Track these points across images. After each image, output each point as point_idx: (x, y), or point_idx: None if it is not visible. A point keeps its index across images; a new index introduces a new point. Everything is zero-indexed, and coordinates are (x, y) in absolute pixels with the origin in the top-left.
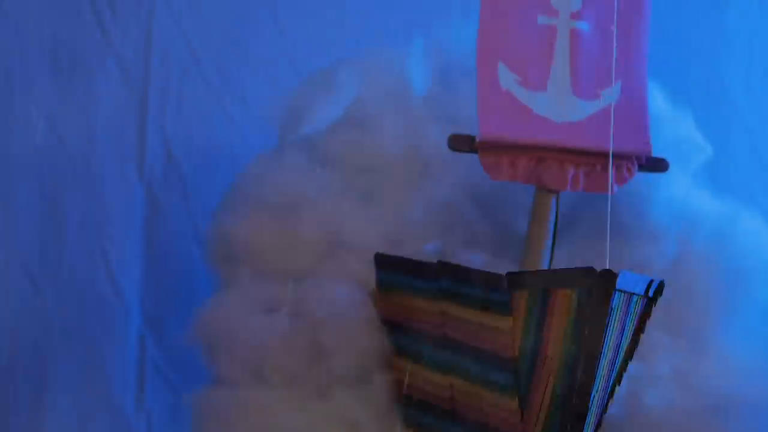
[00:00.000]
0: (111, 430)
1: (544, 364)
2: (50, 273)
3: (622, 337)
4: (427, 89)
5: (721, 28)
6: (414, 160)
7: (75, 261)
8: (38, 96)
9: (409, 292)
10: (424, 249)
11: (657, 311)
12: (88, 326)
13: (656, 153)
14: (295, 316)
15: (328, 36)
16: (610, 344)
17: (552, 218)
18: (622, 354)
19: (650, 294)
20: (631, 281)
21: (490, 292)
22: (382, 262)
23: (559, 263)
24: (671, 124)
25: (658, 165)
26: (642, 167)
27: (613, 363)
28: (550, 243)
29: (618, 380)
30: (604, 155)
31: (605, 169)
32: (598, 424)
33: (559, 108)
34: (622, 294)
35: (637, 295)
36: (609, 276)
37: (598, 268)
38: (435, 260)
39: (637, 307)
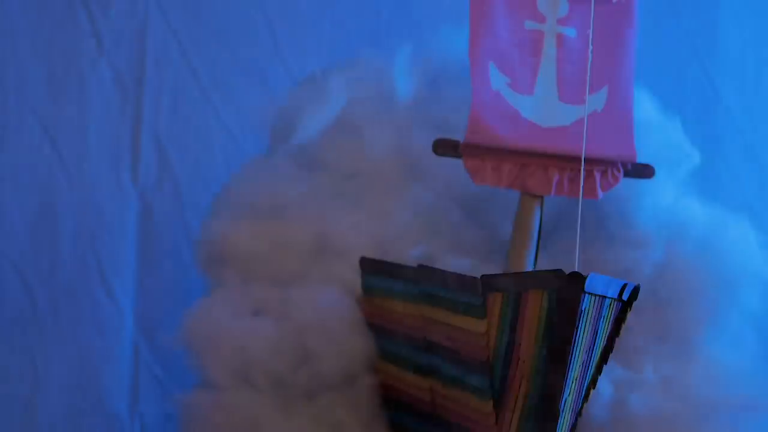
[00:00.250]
0: None
1: (517, 367)
2: (44, 278)
3: (595, 340)
4: (414, 95)
5: (713, 33)
6: (401, 164)
7: (69, 266)
8: (32, 101)
9: (392, 296)
10: (410, 254)
11: (643, 317)
12: (82, 331)
13: (644, 159)
14: (281, 319)
15: (321, 42)
16: (582, 347)
17: (536, 223)
18: (596, 357)
19: (624, 298)
20: (601, 284)
21: (465, 295)
22: (367, 266)
23: (544, 268)
24: (659, 131)
25: (643, 171)
26: (627, 173)
27: (586, 366)
28: (534, 248)
29: (593, 383)
30: (589, 161)
31: (590, 174)
32: (573, 427)
33: (545, 112)
34: (593, 297)
35: (609, 298)
36: (577, 278)
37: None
38: (416, 264)
39: (611, 311)
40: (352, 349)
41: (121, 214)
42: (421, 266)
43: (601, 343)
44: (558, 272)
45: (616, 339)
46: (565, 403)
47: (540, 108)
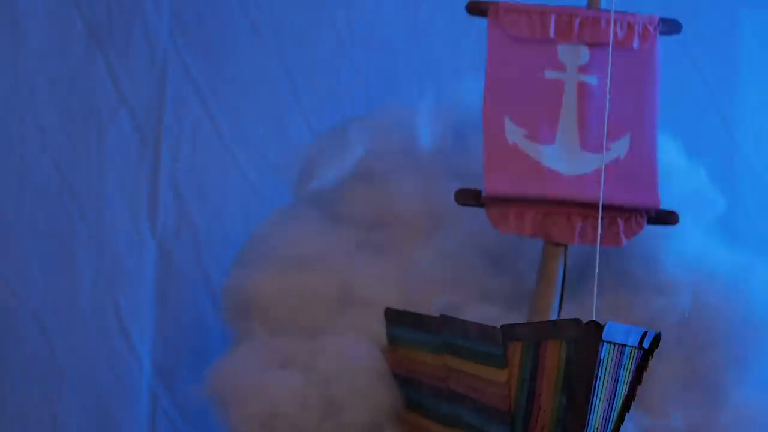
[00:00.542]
0: None
1: (537, 416)
2: (62, 326)
3: (616, 389)
4: (437, 144)
5: (733, 82)
6: (425, 214)
7: (87, 314)
8: (51, 149)
9: (416, 346)
10: (435, 303)
11: (670, 363)
12: (100, 379)
13: (669, 206)
14: (307, 370)
15: (340, 91)
16: (602, 396)
17: (560, 271)
18: (617, 406)
19: (645, 346)
20: (620, 332)
21: (486, 344)
22: (392, 316)
23: (569, 317)
24: (684, 177)
25: (667, 218)
26: (651, 220)
27: (607, 415)
28: (557, 296)
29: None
30: (612, 208)
31: (614, 222)
32: None
33: (567, 161)
34: (612, 345)
35: (630, 346)
36: (595, 327)
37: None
38: (438, 314)
39: (631, 359)
40: (377, 399)
41: (140, 261)
42: (443, 316)
43: (622, 391)
44: (576, 321)
45: (639, 387)
46: None
47: (561, 157)
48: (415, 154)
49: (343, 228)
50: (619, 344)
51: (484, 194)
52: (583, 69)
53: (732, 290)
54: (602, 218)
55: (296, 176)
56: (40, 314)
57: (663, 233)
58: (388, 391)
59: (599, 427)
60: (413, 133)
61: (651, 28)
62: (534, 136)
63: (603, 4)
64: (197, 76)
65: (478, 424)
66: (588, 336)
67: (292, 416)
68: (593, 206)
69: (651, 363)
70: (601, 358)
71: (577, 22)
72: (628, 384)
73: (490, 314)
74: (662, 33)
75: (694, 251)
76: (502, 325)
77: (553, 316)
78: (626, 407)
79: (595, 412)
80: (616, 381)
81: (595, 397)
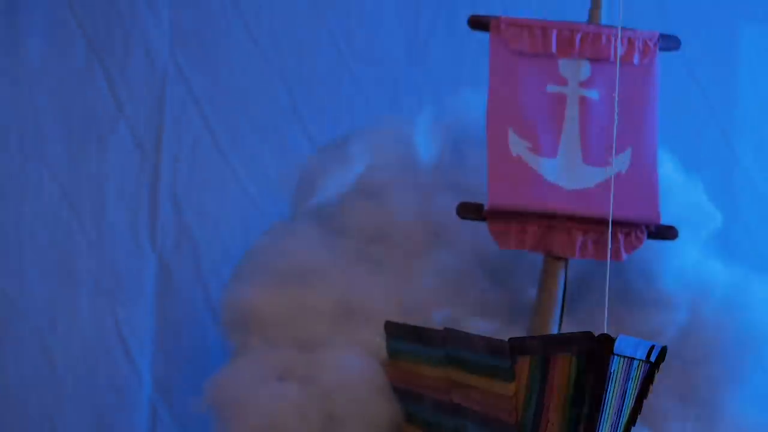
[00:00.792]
0: None
1: (545, 430)
2: (62, 339)
3: (623, 402)
4: (437, 158)
5: (732, 95)
6: (425, 228)
7: (87, 326)
8: (50, 161)
9: (417, 360)
10: (434, 317)
11: (668, 378)
12: (100, 392)
13: (667, 220)
14: (306, 384)
15: (339, 104)
16: (611, 409)
17: (561, 285)
18: (624, 419)
19: (652, 359)
20: (630, 346)
21: (492, 358)
22: (392, 329)
23: (569, 331)
24: (682, 192)
25: (667, 233)
26: (651, 235)
27: (614, 427)
28: (558, 310)
29: None
30: (613, 223)
31: (614, 237)
32: None
33: (568, 175)
34: (622, 359)
35: (638, 360)
36: (607, 341)
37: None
38: (442, 327)
39: (639, 372)
40: (377, 413)
41: (139, 275)
42: (447, 329)
43: (629, 404)
44: (587, 334)
45: (645, 401)
46: None
47: (563, 170)
48: (414, 168)
49: (342, 241)
50: (628, 357)
51: (486, 207)
52: (584, 84)
53: (729, 305)
54: (614, 232)
55: (295, 190)
56: (39, 326)
57: (661, 247)
58: (387, 404)
59: None
60: (412, 146)
61: (651, 44)
62: (537, 149)
63: (604, 20)
64: (196, 88)
65: None
66: (600, 349)
67: (291, 429)
68: (594, 221)
69: (657, 376)
70: (612, 371)
71: (578, 37)
72: (635, 397)
73: (490, 328)
74: (662, 49)
75: (692, 266)
76: (511, 339)
77: (554, 330)
78: (632, 420)
79: (604, 425)
80: (624, 394)
81: (604, 411)
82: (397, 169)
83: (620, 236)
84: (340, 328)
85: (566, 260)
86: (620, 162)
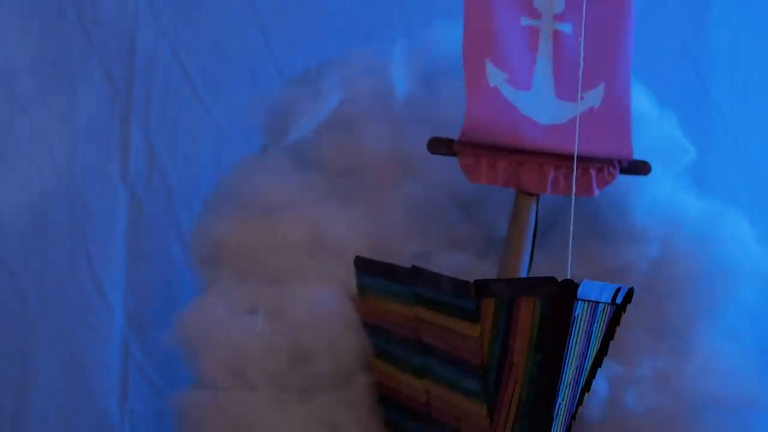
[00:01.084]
0: None
1: (510, 372)
2: (34, 275)
3: (588, 345)
4: (409, 91)
5: (704, 30)
6: (396, 162)
7: (59, 263)
8: (22, 99)
9: (386, 296)
10: (405, 251)
11: (639, 312)
12: (72, 328)
13: (640, 155)
14: (276, 318)
15: (312, 38)
16: (575, 352)
17: (532, 221)
18: (590, 361)
19: (618, 301)
20: (594, 290)
21: (458, 299)
22: (362, 265)
23: (540, 266)
24: (655, 126)
25: (639, 168)
26: (624, 170)
27: (580, 370)
28: (529, 246)
29: (587, 387)
30: (585, 158)
31: (586, 172)
32: (567, 430)
33: (542, 109)
34: (586, 303)
35: (603, 303)
36: (570, 286)
37: (571, 274)
38: (410, 265)
39: (604, 315)
40: (347, 347)
41: (111, 211)
42: (415, 267)
43: (594, 347)
44: (551, 280)
45: (611, 342)
46: (559, 408)
47: (537, 104)
48: (386, 101)
49: (313, 174)
50: (593, 301)
51: (458, 138)
52: (558, 17)
53: (702, 239)
54: (585, 167)
55: (266, 123)
56: (11, 265)
57: (633, 182)
58: (357, 339)
59: (572, 383)
60: (385, 79)
61: None
62: (513, 81)
63: None
64: (168, 25)
65: (449, 377)
66: (563, 295)
67: (261, 363)
68: (566, 156)
69: (623, 317)
70: (576, 316)
71: None
72: (601, 339)
73: (461, 262)
74: None
75: (664, 200)
76: (476, 281)
77: (525, 266)
78: (598, 362)
79: (568, 369)
80: (588, 337)
81: (568, 354)
82: (369, 102)
83: (592, 172)
84: (310, 262)
85: (538, 196)
86: (593, 97)
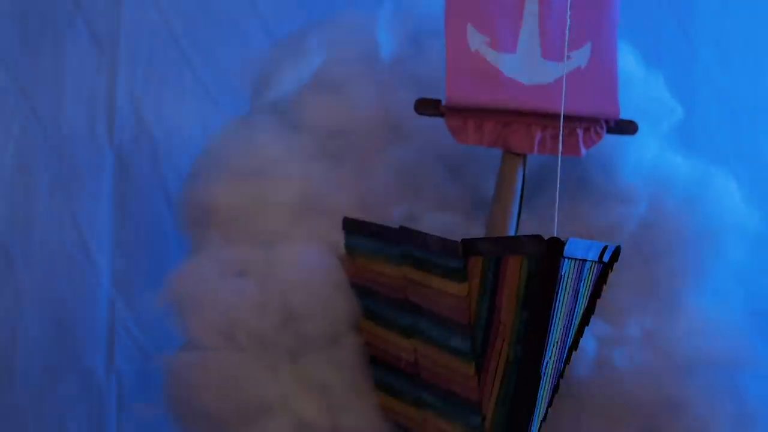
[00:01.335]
0: (81, 393)
1: (498, 330)
2: (20, 237)
3: (575, 303)
4: (396, 52)
5: None
6: (384, 123)
7: (45, 225)
8: (7, 58)
9: (375, 257)
10: (393, 212)
11: (627, 272)
12: (59, 289)
13: (627, 114)
14: (264, 279)
15: (300, 0)
16: (562, 310)
17: (519, 181)
18: (577, 320)
19: (605, 259)
20: (581, 248)
21: (446, 258)
22: (350, 226)
23: (528, 226)
24: (642, 86)
25: (626, 128)
26: (611, 130)
27: (567, 329)
28: (516, 205)
29: (575, 345)
30: (572, 118)
31: (573, 132)
32: (555, 389)
33: (528, 70)
34: (572, 261)
35: (590, 261)
36: (556, 244)
37: (558, 233)
38: (398, 225)
39: (591, 273)
40: (335, 308)
41: (98, 171)
42: (402, 228)
43: (582, 305)
44: (537, 237)
45: (598, 300)
46: (546, 366)
47: (522, 65)
48: (373, 62)
49: (301, 136)
50: (579, 260)
51: (444, 102)
52: None
53: (689, 199)
54: (572, 127)
55: (253, 85)
56: None
57: (621, 142)
58: (345, 299)
59: (559, 341)
60: (371, 40)
61: None
62: (496, 43)
63: None
64: None
65: (437, 336)
66: (549, 253)
67: (250, 324)
68: (553, 116)
69: (610, 276)
70: (562, 274)
71: None
72: (588, 298)
73: (449, 222)
74: None
75: (651, 160)
76: (463, 240)
77: (513, 225)
78: (586, 320)
79: (556, 327)
80: (576, 295)
81: (555, 313)
82: (356, 63)
83: (579, 132)
84: (298, 224)
85: (524, 156)
86: (580, 56)
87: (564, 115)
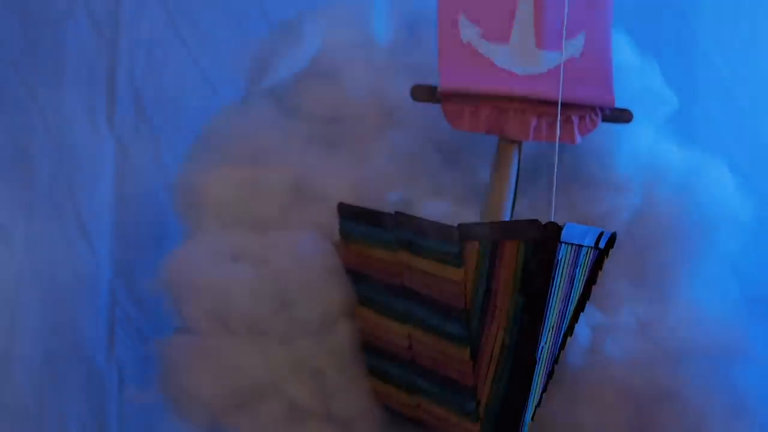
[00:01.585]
0: (81, 380)
1: (494, 315)
2: (21, 223)
3: (571, 288)
4: (392, 39)
5: None
6: (379, 109)
7: (45, 211)
8: (7, 46)
9: (370, 242)
10: (389, 199)
11: (621, 260)
12: (59, 276)
13: (622, 104)
14: (259, 264)
15: None
16: (558, 296)
17: (514, 168)
18: (572, 305)
19: (601, 245)
20: (578, 233)
21: (442, 243)
22: (345, 211)
23: (522, 213)
24: (637, 75)
25: (621, 116)
26: (605, 118)
27: (563, 314)
28: (512, 193)
29: (570, 331)
30: (567, 106)
31: (568, 119)
32: (550, 374)
33: (521, 60)
34: (569, 246)
35: (586, 246)
36: (553, 228)
37: (554, 219)
38: (393, 211)
39: (587, 259)
40: (329, 294)
41: (98, 158)
42: (398, 213)
43: (577, 291)
44: (534, 222)
45: (593, 287)
46: (541, 352)
47: (516, 56)
48: (369, 49)
49: (296, 122)
50: (576, 245)
51: (438, 90)
52: None
53: (683, 188)
54: (567, 115)
55: (249, 71)
56: None
57: (616, 130)
58: (340, 285)
59: (554, 326)
60: (367, 27)
61: None
62: (488, 34)
63: None
64: None
65: (433, 321)
66: (546, 237)
67: (245, 309)
68: (548, 103)
69: (605, 263)
70: (559, 259)
71: None
72: (583, 284)
73: (444, 209)
74: None
75: (646, 149)
76: (459, 224)
77: (507, 212)
78: (581, 306)
79: (551, 312)
80: (571, 281)
81: (551, 298)
82: (352, 49)
83: (574, 119)
84: (293, 209)
85: (520, 143)
86: (573, 46)
87: (558, 103)
